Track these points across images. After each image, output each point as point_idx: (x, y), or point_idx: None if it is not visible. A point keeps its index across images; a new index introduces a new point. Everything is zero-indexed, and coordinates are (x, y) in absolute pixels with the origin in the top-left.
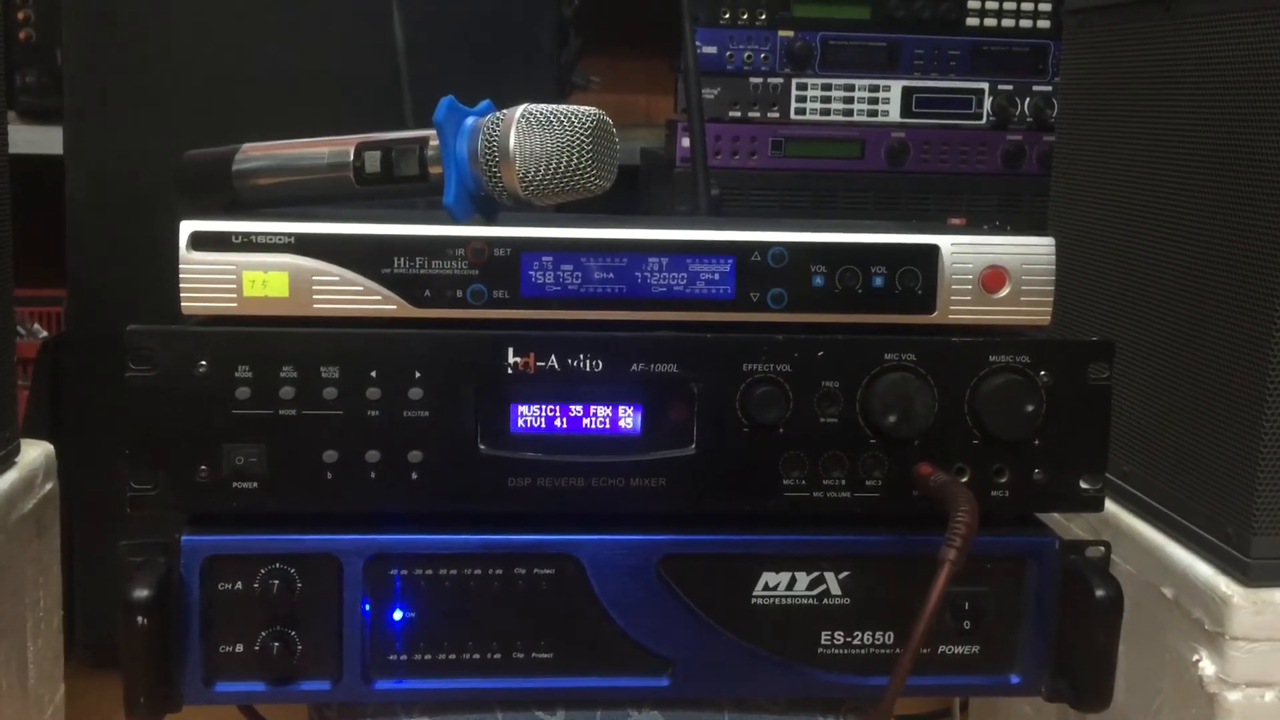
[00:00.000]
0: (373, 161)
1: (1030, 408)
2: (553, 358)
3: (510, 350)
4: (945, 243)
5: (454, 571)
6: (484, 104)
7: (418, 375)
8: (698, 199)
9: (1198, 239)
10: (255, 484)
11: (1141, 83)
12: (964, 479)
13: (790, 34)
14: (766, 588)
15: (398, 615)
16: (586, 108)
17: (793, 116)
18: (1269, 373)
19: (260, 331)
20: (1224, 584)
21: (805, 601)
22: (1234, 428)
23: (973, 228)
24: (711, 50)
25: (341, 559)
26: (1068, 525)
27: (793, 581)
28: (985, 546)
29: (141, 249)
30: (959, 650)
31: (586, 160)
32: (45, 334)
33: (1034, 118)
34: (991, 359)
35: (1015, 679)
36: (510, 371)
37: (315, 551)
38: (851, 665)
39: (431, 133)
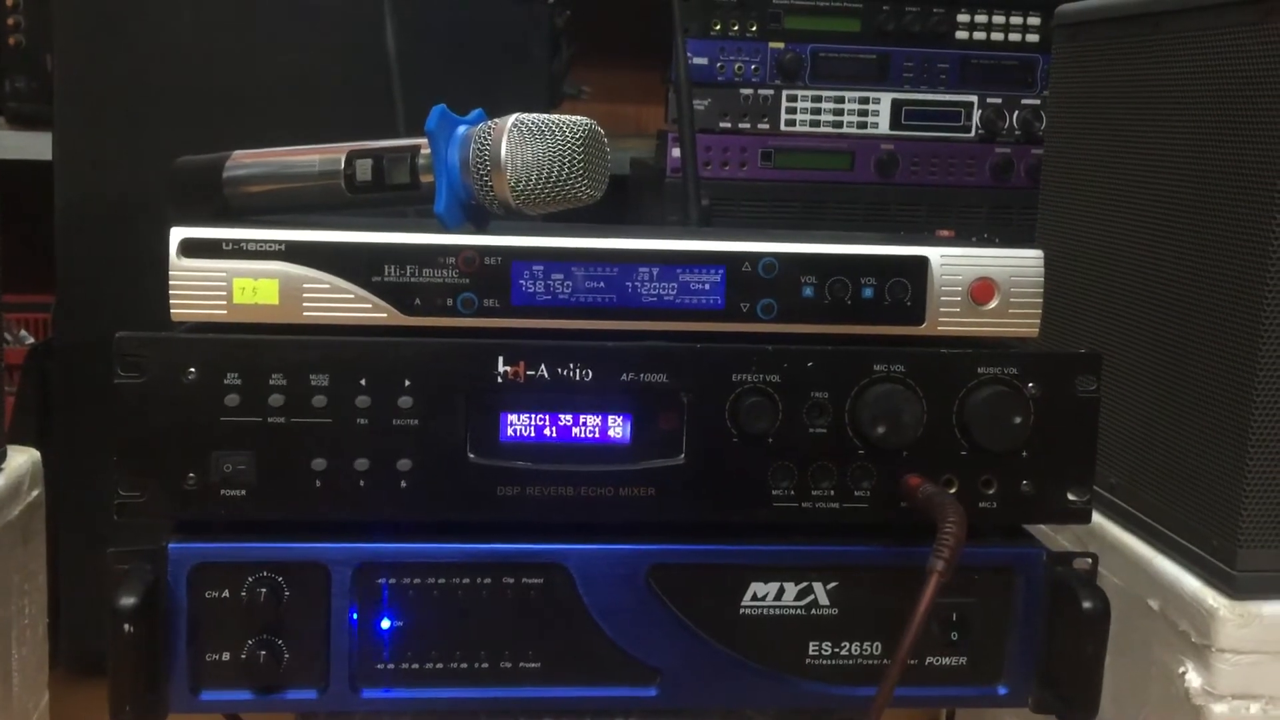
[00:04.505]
0: (364, 169)
1: (1018, 419)
2: (543, 367)
3: (500, 359)
4: (935, 255)
5: (442, 580)
6: (476, 113)
7: (407, 384)
8: (688, 209)
9: (1185, 252)
10: (244, 492)
11: (1130, 97)
12: (952, 490)
13: (781, 46)
14: (755, 598)
15: (385, 624)
16: (578, 117)
17: (783, 128)
18: (1255, 386)
19: (250, 339)
20: (1210, 596)
21: (793, 612)
22: (1220, 441)
23: (962, 240)
24: (702, 61)
25: (330, 567)
26: (1054, 537)
27: (781, 592)
28: (973, 558)
29: (130, 256)
30: (946, 661)
31: (578, 170)
32: (32, 340)
33: (1022, 131)
34: (980, 371)
35: (1002, 690)
36: (500, 380)
37: (303, 560)
38: (839, 676)
39: (423, 141)
